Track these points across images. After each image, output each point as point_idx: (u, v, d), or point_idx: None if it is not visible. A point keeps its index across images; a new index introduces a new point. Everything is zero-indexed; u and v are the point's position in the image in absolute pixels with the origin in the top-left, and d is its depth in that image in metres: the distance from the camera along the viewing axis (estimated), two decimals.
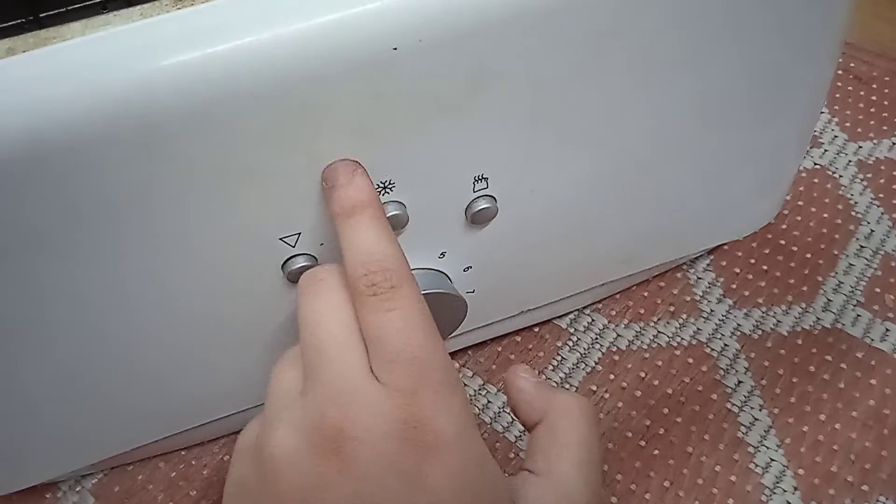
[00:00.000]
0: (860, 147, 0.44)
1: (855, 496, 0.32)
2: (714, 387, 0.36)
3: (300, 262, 0.26)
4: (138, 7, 0.22)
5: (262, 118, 0.21)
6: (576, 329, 0.38)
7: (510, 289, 0.33)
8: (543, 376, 0.37)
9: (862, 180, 0.42)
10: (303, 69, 0.21)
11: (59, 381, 0.26)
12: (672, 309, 0.39)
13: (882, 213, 0.41)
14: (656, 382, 0.36)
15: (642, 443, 0.35)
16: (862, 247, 0.40)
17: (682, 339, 0.37)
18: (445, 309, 0.29)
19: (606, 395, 0.36)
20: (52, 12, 0.22)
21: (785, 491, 0.33)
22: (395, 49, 0.21)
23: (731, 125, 0.30)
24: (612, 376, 0.37)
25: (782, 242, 0.40)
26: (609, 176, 0.29)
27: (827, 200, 0.42)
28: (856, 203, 0.42)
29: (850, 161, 0.43)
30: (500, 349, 0.38)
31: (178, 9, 0.21)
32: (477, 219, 0.27)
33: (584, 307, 0.39)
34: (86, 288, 0.24)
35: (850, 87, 0.47)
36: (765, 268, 0.40)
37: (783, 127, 0.32)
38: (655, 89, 0.26)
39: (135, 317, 0.25)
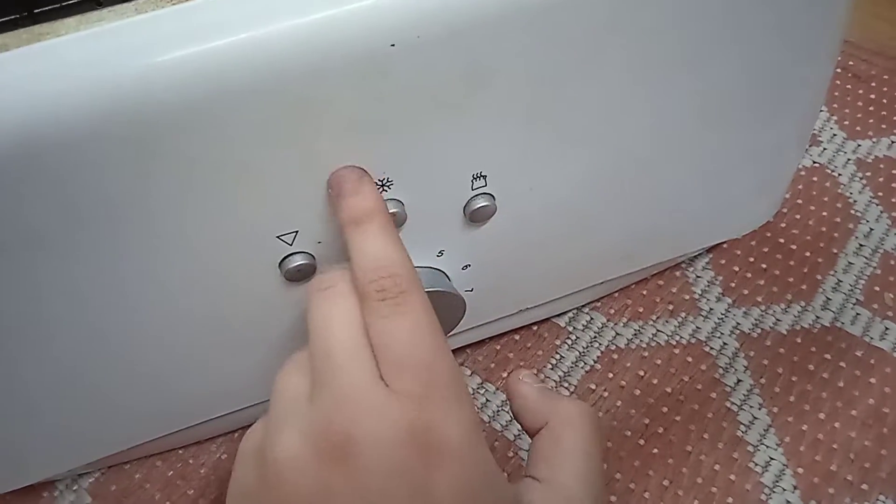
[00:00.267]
0: (859, 145, 0.44)
1: (854, 495, 0.32)
2: (713, 385, 0.36)
3: (297, 261, 0.25)
4: (133, 3, 0.22)
5: (257, 115, 0.21)
6: (574, 327, 0.38)
7: (509, 287, 0.33)
8: (542, 375, 0.37)
9: (861, 179, 0.42)
10: (299, 66, 0.21)
11: (56, 379, 0.26)
12: (671, 307, 0.38)
13: (881, 212, 0.41)
14: (655, 381, 0.36)
15: (641, 441, 0.34)
16: (861, 245, 0.40)
17: (681, 337, 0.37)
18: (444, 307, 0.29)
19: (605, 394, 0.36)
20: (46, 8, 0.22)
21: (784, 490, 0.33)
22: (393, 45, 0.21)
23: (729, 124, 0.30)
24: (610, 375, 0.36)
25: (781, 241, 0.40)
26: (608, 174, 0.29)
27: (826, 199, 0.42)
28: (855, 201, 0.41)
29: (849, 159, 0.43)
30: (498, 347, 0.38)
31: (174, 4, 0.21)
32: (475, 217, 0.27)
33: (583, 305, 0.39)
34: (82, 285, 0.24)
35: (848, 86, 0.46)
36: (764, 266, 0.39)
37: (782, 126, 0.32)
38: (654, 87, 0.26)
39: (132, 315, 0.25)
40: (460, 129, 0.24)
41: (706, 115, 0.28)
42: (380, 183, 0.25)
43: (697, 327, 0.38)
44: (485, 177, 0.26)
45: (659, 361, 0.37)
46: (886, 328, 0.37)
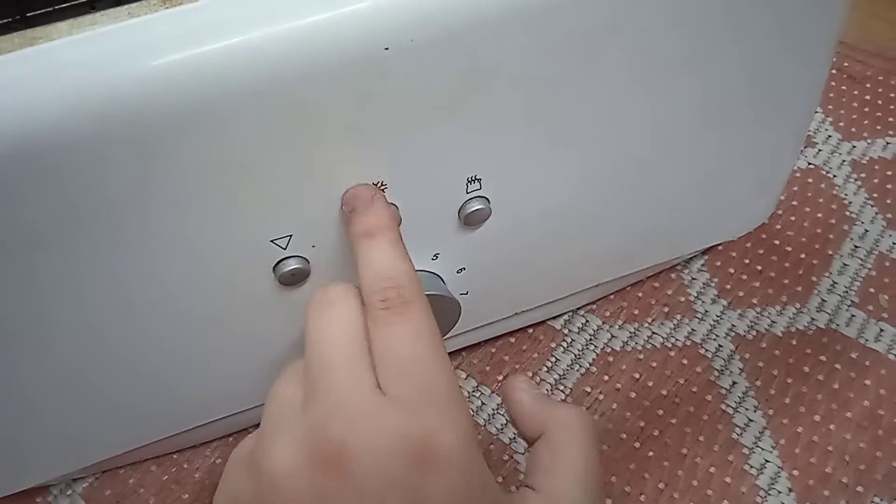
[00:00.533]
0: (854, 147, 0.44)
1: (850, 497, 0.32)
2: (709, 388, 0.36)
3: (291, 265, 0.25)
4: (126, 6, 0.22)
5: (252, 118, 0.21)
6: (570, 330, 0.38)
7: (504, 290, 0.33)
8: (538, 378, 0.37)
9: (856, 180, 0.42)
10: (293, 69, 0.21)
11: (52, 382, 0.26)
12: (666, 310, 0.38)
13: (876, 213, 0.41)
14: (651, 384, 0.36)
15: (637, 444, 0.34)
16: (856, 247, 0.40)
17: (677, 340, 0.37)
18: (439, 311, 0.29)
19: (601, 397, 0.36)
20: (38, 12, 0.22)
21: (780, 492, 0.33)
22: (387, 49, 0.21)
23: (725, 125, 0.30)
24: (606, 377, 0.36)
25: (776, 242, 0.40)
26: (604, 177, 0.29)
27: (821, 200, 0.42)
28: (850, 203, 0.41)
29: (844, 161, 0.43)
30: (494, 350, 0.38)
31: (167, 8, 0.21)
32: (470, 220, 0.27)
33: (579, 308, 0.39)
34: (79, 286, 0.24)
35: (843, 87, 0.46)
36: (759, 268, 0.40)
37: (779, 126, 0.32)
38: (651, 88, 0.26)
39: (128, 317, 0.25)
40: (455, 132, 0.24)
41: (702, 116, 0.28)
42: (374, 186, 0.25)
43: (693, 329, 0.38)
44: (479, 180, 0.26)
45: (654, 364, 0.37)
46: (881, 330, 0.37)
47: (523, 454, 0.35)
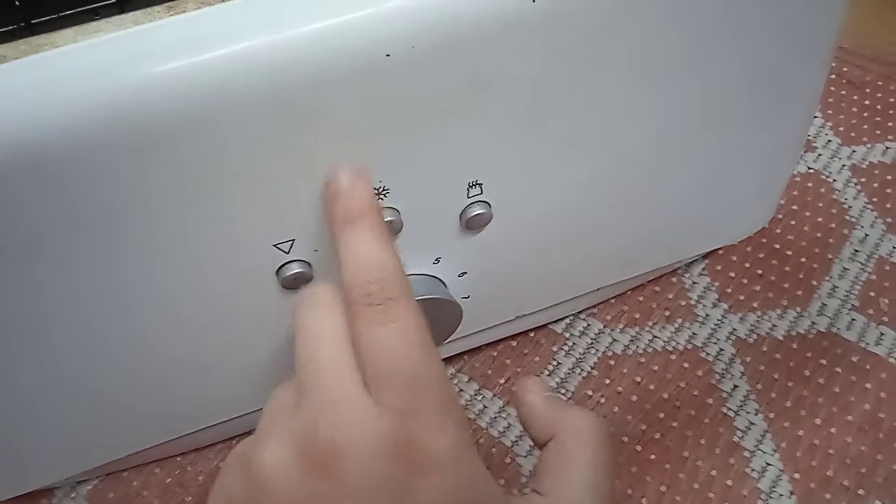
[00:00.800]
0: (854, 151, 0.44)
1: (851, 500, 0.32)
2: (710, 391, 0.36)
3: (294, 269, 0.26)
4: (130, 14, 0.22)
5: (255, 124, 0.21)
6: (571, 334, 0.38)
7: (506, 294, 0.33)
8: None
9: (856, 184, 0.42)
10: (295, 76, 0.21)
11: (56, 385, 0.26)
12: (667, 313, 0.39)
13: (876, 217, 0.41)
14: (652, 387, 0.36)
15: (638, 447, 0.35)
16: (856, 251, 0.40)
17: (678, 343, 0.38)
18: (440, 315, 0.29)
19: (602, 400, 0.36)
20: (44, 19, 0.22)
21: (781, 495, 0.33)
22: (388, 56, 0.21)
23: (726, 127, 0.30)
24: (607, 381, 0.37)
25: (777, 247, 0.40)
26: (605, 181, 0.29)
27: (821, 205, 0.42)
28: (850, 207, 0.42)
29: (843, 165, 0.43)
30: (495, 354, 0.38)
31: (171, 15, 0.21)
32: (471, 225, 0.27)
33: (580, 311, 0.39)
34: (81, 293, 0.24)
35: (843, 92, 0.47)
36: (759, 272, 0.40)
37: (778, 128, 0.32)
38: (651, 92, 0.26)
39: (131, 322, 0.25)
40: (456, 137, 0.24)
41: (703, 117, 0.29)
42: (376, 191, 0.25)
43: (694, 333, 0.38)
44: (480, 185, 0.26)
45: (656, 367, 0.37)
46: (882, 333, 0.37)
47: (525, 457, 0.35)
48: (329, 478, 0.19)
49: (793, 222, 0.41)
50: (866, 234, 0.40)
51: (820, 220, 0.41)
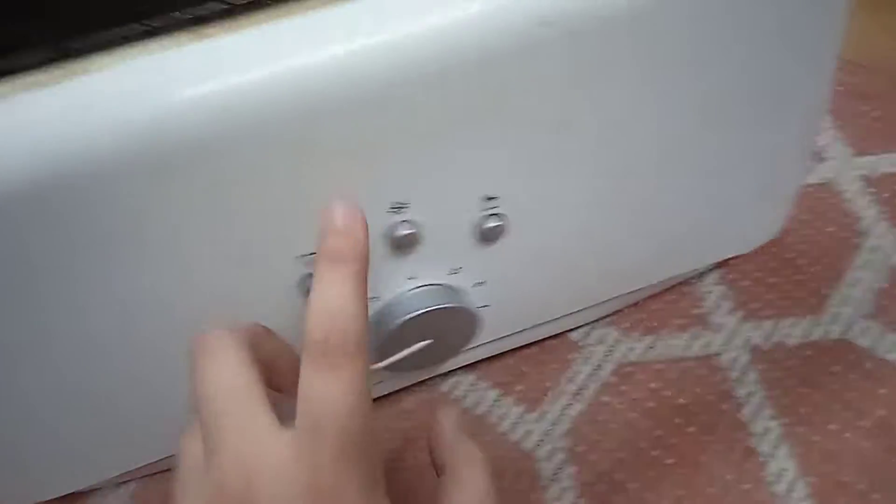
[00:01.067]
0: (865, 161, 0.44)
1: None
2: (725, 397, 0.36)
3: None
4: (158, 40, 0.23)
5: (282, 146, 0.23)
6: (588, 342, 0.39)
7: (523, 303, 0.34)
8: (557, 388, 0.38)
9: (868, 194, 0.43)
10: (320, 100, 0.22)
11: (104, 395, 0.28)
12: (683, 322, 0.39)
13: (888, 227, 0.42)
14: (668, 393, 0.37)
15: (655, 452, 0.35)
16: (869, 260, 0.40)
17: (693, 351, 0.38)
18: (458, 324, 0.30)
19: (619, 407, 0.37)
20: (75, 46, 0.23)
21: (798, 500, 0.33)
22: (409, 78, 0.22)
23: (738, 134, 0.30)
24: (624, 388, 0.37)
25: (790, 256, 0.41)
26: (619, 192, 0.30)
27: (833, 215, 0.42)
28: (862, 217, 0.42)
29: (855, 175, 0.44)
30: (513, 362, 0.39)
31: (197, 42, 0.22)
32: (487, 236, 0.28)
33: (597, 320, 0.39)
34: (116, 306, 0.25)
35: (853, 102, 0.47)
36: (773, 281, 0.40)
37: (786, 134, 0.32)
38: (663, 101, 0.27)
39: (161, 334, 0.27)
40: (470, 153, 0.26)
41: (714, 126, 0.29)
42: (396, 206, 0.26)
43: (709, 341, 0.38)
44: (495, 198, 0.27)
45: (671, 375, 0.37)
46: (895, 342, 0.37)
47: (543, 462, 0.35)
48: None
49: (805, 232, 0.42)
50: (879, 244, 0.41)
51: (832, 229, 0.42)
